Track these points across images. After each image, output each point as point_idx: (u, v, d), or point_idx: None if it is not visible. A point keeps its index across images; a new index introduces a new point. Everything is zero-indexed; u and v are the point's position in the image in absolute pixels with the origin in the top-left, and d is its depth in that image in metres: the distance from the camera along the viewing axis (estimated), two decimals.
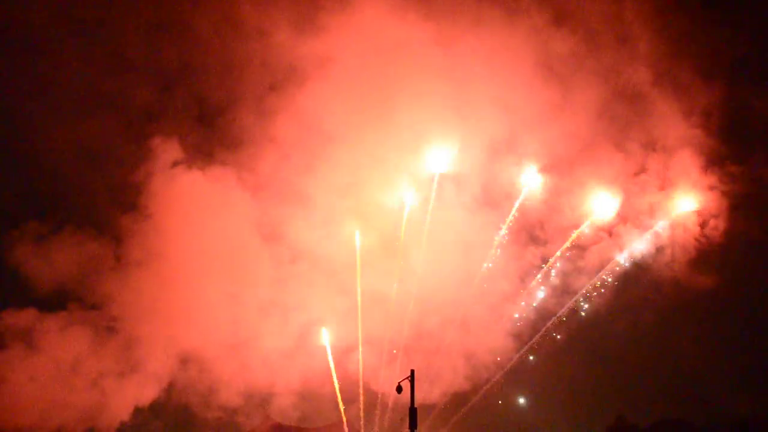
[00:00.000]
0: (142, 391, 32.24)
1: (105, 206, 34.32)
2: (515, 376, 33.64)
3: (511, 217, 34.31)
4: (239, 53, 35.19)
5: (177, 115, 35.32)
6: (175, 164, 33.81)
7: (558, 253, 34.11)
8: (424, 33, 34.10)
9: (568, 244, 34.00)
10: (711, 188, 34.13)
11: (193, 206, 33.41)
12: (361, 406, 33.62)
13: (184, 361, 32.85)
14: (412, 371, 25.11)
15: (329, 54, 34.61)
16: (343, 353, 33.68)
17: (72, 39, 33.76)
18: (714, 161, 34.27)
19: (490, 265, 33.89)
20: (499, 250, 34.03)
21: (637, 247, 33.80)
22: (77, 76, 34.12)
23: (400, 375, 28.18)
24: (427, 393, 33.15)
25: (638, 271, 34.00)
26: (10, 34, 33.36)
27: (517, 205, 34.21)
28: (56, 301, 31.95)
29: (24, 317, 31.15)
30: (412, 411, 24.54)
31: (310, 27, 34.66)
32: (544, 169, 34.66)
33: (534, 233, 34.74)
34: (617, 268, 33.67)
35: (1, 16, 33.25)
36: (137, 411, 32.31)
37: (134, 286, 32.63)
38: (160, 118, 35.14)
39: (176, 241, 33.01)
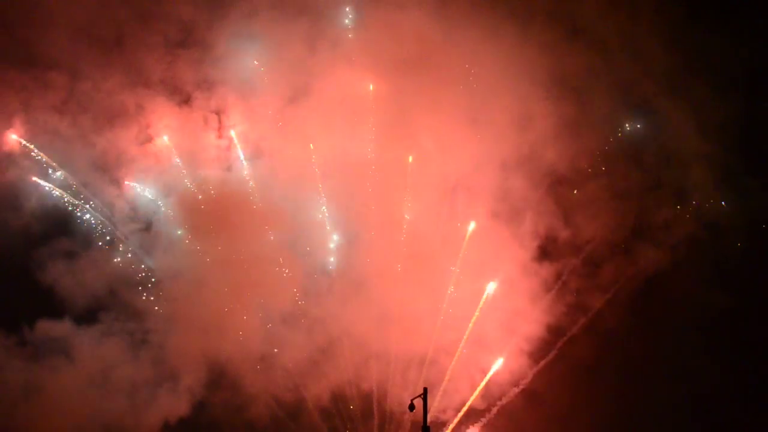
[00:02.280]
0: (174, 404, 32.54)
1: (132, 220, 34.88)
2: (530, 394, 33.80)
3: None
4: (256, 67, 35.64)
5: (195, 130, 35.82)
6: (199, 177, 34.69)
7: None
8: (439, 44, 34.24)
9: None
10: (728, 203, 34.16)
11: (220, 219, 33.80)
12: (375, 422, 34.09)
13: (215, 375, 33.31)
14: (425, 389, 25.25)
15: (346, 67, 35.23)
16: (357, 368, 34.09)
17: (90, 55, 34.26)
18: (730, 175, 34.14)
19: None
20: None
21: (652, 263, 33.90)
22: (95, 91, 34.55)
23: (413, 392, 28.64)
24: (440, 411, 33.58)
25: (654, 288, 34.03)
26: (30, 50, 33.68)
27: None
28: (89, 315, 32.56)
29: (58, 329, 31.64)
30: (425, 430, 24.72)
31: (327, 41, 35.25)
32: (559, 183, 34.95)
33: (546, 248, 34.80)
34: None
35: (22, 33, 33.56)
36: (166, 426, 32.65)
37: (166, 299, 33.42)
38: (179, 132, 35.56)
39: (206, 252, 33.64)
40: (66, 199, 33.75)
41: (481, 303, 33.51)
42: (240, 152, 35.91)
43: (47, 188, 33.62)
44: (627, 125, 35.56)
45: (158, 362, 32.74)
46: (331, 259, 35.72)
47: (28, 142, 33.59)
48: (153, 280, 34.01)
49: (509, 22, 33.72)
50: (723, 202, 34.49)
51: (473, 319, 33.58)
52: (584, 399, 33.35)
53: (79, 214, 33.92)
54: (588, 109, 34.28)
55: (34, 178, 33.51)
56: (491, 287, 33.55)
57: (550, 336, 33.71)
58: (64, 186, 33.90)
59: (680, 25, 33.83)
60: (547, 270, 34.21)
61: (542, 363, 33.48)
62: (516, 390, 33.44)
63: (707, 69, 34.01)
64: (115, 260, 33.97)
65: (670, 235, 34.20)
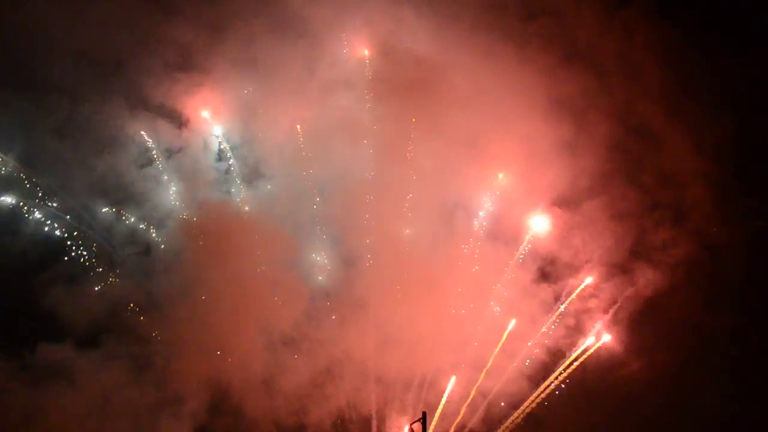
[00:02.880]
0: (176, 430, 32.21)
1: (131, 244, 34.87)
2: (529, 418, 33.72)
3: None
4: (255, 90, 35.86)
5: (195, 153, 35.98)
6: (200, 200, 34.77)
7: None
8: (438, 67, 34.44)
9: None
10: (726, 223, 34.17)
11: (219, 242, 33.73)
12: None
13: (217, 399, 32.98)
14: (424, 413, 25.21)
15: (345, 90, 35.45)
16: (356, 391, 33.95)
17: (90, 79, 34.44)
18: (728, 195, 34.19)
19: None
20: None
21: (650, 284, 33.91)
22: (95, 114, 34.72)
23: (412, 416, 28.41)
24: None
25: (652, 310, 34.03)
26: (32, 74, 33.89)
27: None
28: (91, 339, 32.20)
29: (59, 353, 31.32)
30: None
31: (325, 64, 35.52)
32: (557, 204, 35.02)
33: (545, 270, 34.82)
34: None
35: (23, 58, 33.79)
36: None
37: (168, 323, 33.19)
38: (180, 155, 35.76)
39: (208, 276, 33.36)
40: (65, 223, 33.76)
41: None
42: (239, 175, 36.03)
43: (47, 212, 33.57)
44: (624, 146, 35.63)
45: (161, 386, 32.48)
46: (320, 279, 35.55)
47: (27, 166, 33.58)
48: (153, 303, 33.89)
49: (506, 46, 34.09)
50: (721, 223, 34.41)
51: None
52: (584, 422, 33.35)
53: (78, 238, 33.91)
54: (586, 131, 34.40)
55: (34, 202, 33.49)
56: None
57: (549, 358, 33.74)
58: (63, 209, 33.87)
59: (675, 48, 34.23)
60: (545, 292, 34.31)
61: (543, 386, 33.47)
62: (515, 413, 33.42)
63: (703, 90, 34.34)
64: (115, 284, 33.86)
65: (669, 256, 34.21)
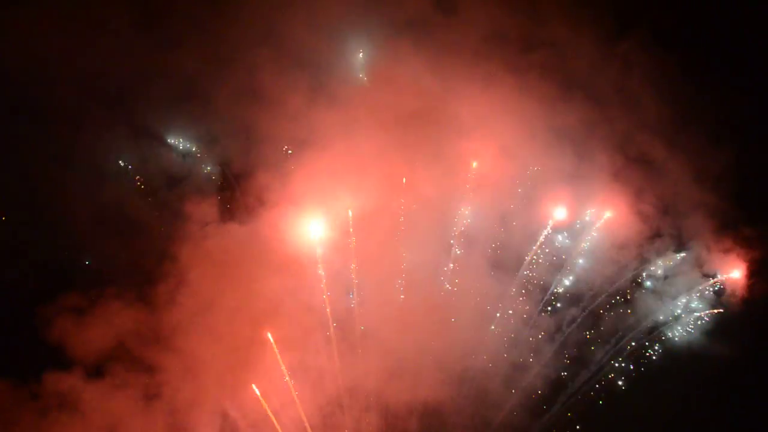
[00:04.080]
0: None
1: (137, 274, 34.84)
2: None
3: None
4: (258, 121, 36.17)
5: (200, 181, 36.20)
6: (204, 228, 34.72)
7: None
8: (438, 97, 34.71)
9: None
10: (726, 251, 34.34)
11: (230, 268, 33.82)
12: None
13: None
14: None
15: (344, 118, 35.72)
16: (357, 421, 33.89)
17: (94, 109, 34.72)
18: (728, 225, 34.36)
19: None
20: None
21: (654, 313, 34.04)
22: (100, 144, 34.95)
23: None
24: None
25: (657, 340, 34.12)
26: (36, 104, 34.17)
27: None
28: (98, 370, 31.97)
29: (66, 382, 31.02)
30: None
31: (327, 94, 35.82)
32: (557, 232, 35.21)
33: (546, 299, 34.90)
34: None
35: (29, 88, 34.07)
36: None
37: (175, 352, 33.12)
38: (184, 183, 35.95)
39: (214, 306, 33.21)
40: (69, 253, 33.86)
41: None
42: (242, 203, 36.15)
43: (51, 241, 33.66)
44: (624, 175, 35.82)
45: (169, 417, 32.37)
46: (325, 307, 35.72)
47: (29, 194, 33.69)
48: (160, 332, 33.81)
49: (506, 76, 34.34)
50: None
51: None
52: None
53: (83, 267, 34.00)
54: (586, 160, 34.62)
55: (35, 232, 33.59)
56: None
57: (551, 389, 33.74)
58: (69, 236, 33.94)
59: (674, 78, 34.52)
60: (546, 321, 34.37)
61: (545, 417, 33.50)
62: None
63: (702, 120, 34.57)
64: (122, 313, 33.78)
65: (671, 285, 34.31)
